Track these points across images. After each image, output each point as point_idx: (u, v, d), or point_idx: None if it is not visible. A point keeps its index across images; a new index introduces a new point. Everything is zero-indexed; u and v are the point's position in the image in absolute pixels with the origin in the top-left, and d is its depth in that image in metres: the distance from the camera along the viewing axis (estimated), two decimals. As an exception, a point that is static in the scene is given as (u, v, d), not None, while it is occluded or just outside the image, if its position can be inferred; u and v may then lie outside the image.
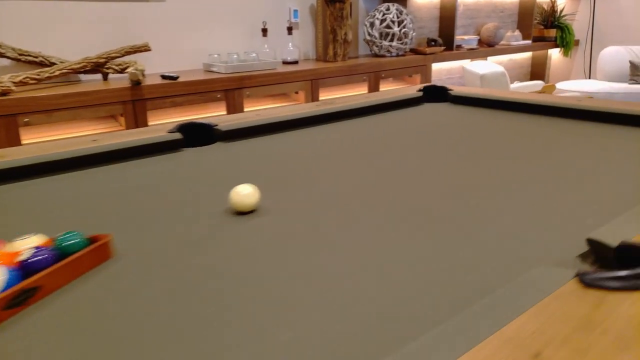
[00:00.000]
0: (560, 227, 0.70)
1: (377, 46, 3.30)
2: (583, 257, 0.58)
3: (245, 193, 0.73)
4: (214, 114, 2.53)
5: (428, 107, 1.65)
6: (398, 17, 3.25)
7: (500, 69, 2.58)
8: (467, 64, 2.95)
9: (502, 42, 4.27)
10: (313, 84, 2.80)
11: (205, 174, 0.98)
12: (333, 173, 0.97)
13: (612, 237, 0.56)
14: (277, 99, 2.87)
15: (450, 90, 1.73)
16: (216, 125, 1.24)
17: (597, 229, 0.58)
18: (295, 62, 3.03)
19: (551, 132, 1.25)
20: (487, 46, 4.06)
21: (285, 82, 2.68)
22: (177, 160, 1.08)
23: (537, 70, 4.73)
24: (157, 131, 1.20)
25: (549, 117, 1.41)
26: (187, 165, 1.04)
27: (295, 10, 3.15)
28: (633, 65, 3.91)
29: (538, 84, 3.11)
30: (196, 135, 1.21)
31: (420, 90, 1.74)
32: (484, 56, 3.85)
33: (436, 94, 1.75)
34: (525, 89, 3.12)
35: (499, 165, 0.99)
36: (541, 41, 4.56)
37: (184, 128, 1.20)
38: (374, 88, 3.11)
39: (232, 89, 2.48)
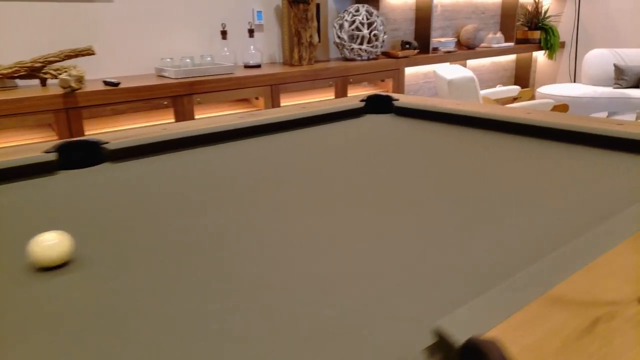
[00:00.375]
0: (435, 291, 0.54)
1: (346, 49, 3.15)
2: (431, 352, 0.43)
3: (48, 244, 0.58)
4: (160, 122, 2.38)
5: (369, 120, 1.50)
6: (368, 19, 3.10)
7: (469, 74, 2.43)
8: (438, 68, 2.80)
9: (482, 45, 4.12)
10: (273, 89, 2.65)
11: (52, 206, 0.83)
12: (221, 206, 0.82)
13: (463, 327, 0.40)
14: (237, 105, 2.72)
15: (396, 100, 1.58)
16: (105, 143, 1.09)
17: (454, 312, 0.43)
18: (258, 66, 2.88)
19: (490, 149, 1.09)
20: (467, 49, 3.91)
21: (243, 88, 2.53)
22: (35, 188, 0.93)
23: (522, 74, 4.58)
24: (33, 150, 1.05)
25: (494, 133, 1.26)
26: (37, 196, 0.89)
27: (259, 12, 3.01)
28: (618, 68, 3.76)
29: (514, 89, 2.96)
30: (81, 154, 1.06)
31: (363, 101, 1.59)
32: (462, 59, 3.71)
33: (380, 104, 1.60)
34: (499, 95, 2.97)
35: (418, 188, 0.84)
36: (525, 43, 4.41)
37: (64, 147, 1.05)
38: (341, 93, 2.96)
39: (181, 95, 2.33)
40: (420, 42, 3.63)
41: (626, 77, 3.72)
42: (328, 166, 1.03)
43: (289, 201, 0.83)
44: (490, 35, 4.05)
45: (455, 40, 3.78)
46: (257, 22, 3.01)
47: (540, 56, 4.75)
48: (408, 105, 1.50)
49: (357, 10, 3.12)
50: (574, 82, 4.45)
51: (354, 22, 3.10)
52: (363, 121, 1.48)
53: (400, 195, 0.84)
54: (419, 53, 3.57)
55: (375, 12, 3.13)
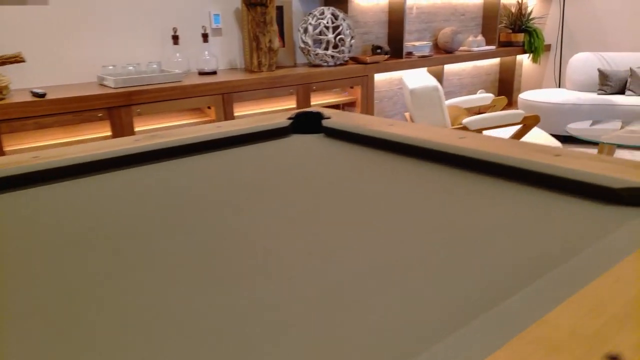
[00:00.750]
0: None
1: (312, 54, 2.97)
2: None
3: None
4: (95, 135, 2.19)
5: (294, 141, 1.32)
6: (333, 22, 2.92)
7: (432, 83, 2.25)
8: (405, 74, 2.62)
9: (462, 48, 3.94)
10: (226, 98, 2.47)
11: None
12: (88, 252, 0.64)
13: None
14: (186, 116, 2.53)
15: (327, 118, 1.40)
16: (-57, 180, 0.91)
17: None
18: (213, 73, 2.70)
19: (412, 183, 0.91)
20: (445, 53, 3.73)
21: (190, 97, 2.35)
22: None
23: (506, 77, 4.40)
24: None
25: (423, 162, 1.08)
26: None
27: (217, 15, 2.82)
28: (602, 73, 3.58)
29: (487, 97, 2.78)
30: None
31: (290, 118, 1.41)
32: (439, 64, 3.52)
33: (309, 122, 1.42)
34: (470, 103, 2.79)
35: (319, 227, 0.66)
36: (508, 46, 4.23)
37: None
38: (303, 102, 2.78)
39: (118, 106, 2.15)
40: (393, 47, 3.45)
41: (611, 83, 3.53)
42: (225, 206, 0.84)
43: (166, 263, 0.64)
44: (470, 39, 3.87)
45: (431, 44, 3.60)
46: (214, 25, 2.83)
47: (525, 60, 4.57)
48: (337, 125, 1.32)
49: (322, 14, 2.93)
50: (559, 87, 4.27)
51: (318, 25, 2.92)
52: (287, 143, 1.30)
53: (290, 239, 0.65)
54: (391, 58, 3.39)
55: (341, 15, 2.95)
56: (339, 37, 2.92)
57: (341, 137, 1.32)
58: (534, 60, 4.21)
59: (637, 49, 3.85)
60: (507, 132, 2.62)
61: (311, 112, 1.43)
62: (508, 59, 4.33)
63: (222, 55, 2.92)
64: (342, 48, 2.96)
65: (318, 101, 2.94)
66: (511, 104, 4.34)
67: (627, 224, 0.66)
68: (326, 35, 2.91)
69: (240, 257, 0.66)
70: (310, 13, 2.97)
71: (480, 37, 3.93)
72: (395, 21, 3.37)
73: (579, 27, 4.20)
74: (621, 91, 3.54)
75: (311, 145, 1.27)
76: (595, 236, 0.67)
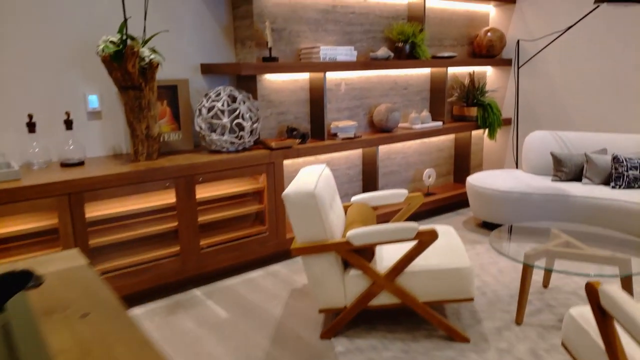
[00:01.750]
0: None
1: (207, 140, 2.60)
2: None
3: None
4: None
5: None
6: (229, 105, 2.56)
7: (309, 188, 1.84)
8: (302, 170, 2.22)
9: (403, 125, 3.56)
10: (73, 199, 2.08)
11: None
12: None
13: None
14: (27, 220, 2.13)
15: (37, 284, 0.98)
16: None
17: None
18: (79, 164, 2.33)
19: None
20: (380, 132, 3.35)
21: (22, 201, 1.96)
22: None
23: (462, 154, 3.99)
24: None
25: None
26: None
27: (93, 96, 2.49)
28: (555, 158, 3.15)
29: (399, 194, 2.35)
30: None
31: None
32: (369, 145, 3.13)
33: (19, 282, 0.99)
34: (380, 201, 2.36)
35: None
36: (462, 121, 3.85)
37: None
38: (185, 197, 2.37)
39: None
40: (315, 127, 3.08)
41: (565, 169, 3.10)
42: None
43: None
44: (412, 115, 3.50)
45: (365, 122, 3.22)
46: (89, 108, 2.48)
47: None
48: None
49: (218, 95, 2.59)
50: (517, 167, 3.84)
51: (212, 108, 2.57)
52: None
53: None
54: (315, 139, 3.01)
55: (241, 96, 2.59)
56: (236, 121, 2.55)
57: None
58: (490, 136, 3.82)
59: (599, 128, 3.45)
60: (403, 248, 2.16)
61: (18, 273, 1.01)
62: (464, 134, 3.94)
63: (104, 140, 2.56)
64: (241, 133, 2.59)
65: (211, 194, 2.54)
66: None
67: None
68: (220, 120, 2.55)
69: None
70: (206, 94, 2.63)
71: (425, 113, 3.56)
72: (317, 98, 3.02)
73: (537, 101, 3.82)
74: (578, 177, 3.10)
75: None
76: None
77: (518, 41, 3.50)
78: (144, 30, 2.36)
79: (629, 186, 2.86)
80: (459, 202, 3.89)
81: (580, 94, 3.56)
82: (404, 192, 2.38)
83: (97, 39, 2.45)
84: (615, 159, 2.88)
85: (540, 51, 3.60)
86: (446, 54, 3.56)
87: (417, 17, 3.44)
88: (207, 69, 2.75)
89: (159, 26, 2.61)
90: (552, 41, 3.32)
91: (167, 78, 2.68)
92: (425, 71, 3.72)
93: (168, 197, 2.40)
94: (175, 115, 2.68)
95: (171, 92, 2.66)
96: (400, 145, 3.64)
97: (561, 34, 3.26)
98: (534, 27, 3.77)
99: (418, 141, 3.74)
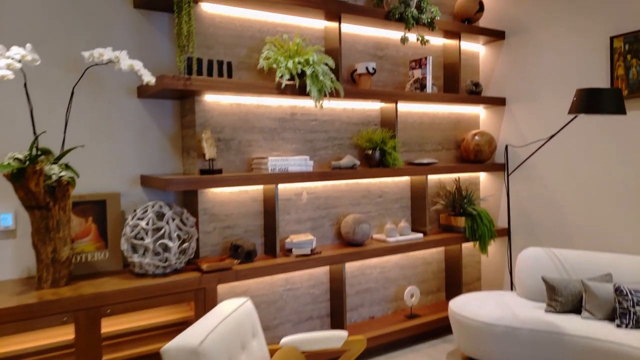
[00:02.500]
0: None
1: (129, 262, 2.31)
2: None
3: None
4: None
5: None
6: (154, 224, 2.29)
7: (192, 343, 1.47)
8: (222, 303, 1.87)
9: (377, 236, 3.19)
10: (-62, 341, 1.77)
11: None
12: None
13: None
14: None
15: None
16: None
17: None
18: (-28, 292, 2.06)
19: None
20: (348, 246, 2.99)
21: None
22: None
23: (453, 267, 3.54)
24: None
25: None
26: None
27: (7, 215, 2.28)
28: (548, 285, 2.67)
29: (338, 337, 1.93)
30: None
31: None
32: (333, 263, 2.76)
33: None
34: (310, 344, 1.94)
35: None
36: (450, 232, 3.45)
37: None
38: (86, 333, 2.03)
39: None
40: (268, 242, 2.76)
41: (560, 298, 2.60)
42: None
43: None
44: (388, 226, 3.14)
45: (312, 240, 2.89)
46: (2, 227, 2.27)
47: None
48: None
49: (145, 212, 2.34)
50: (512, 288, 3.33)
51: (136, 227, 2.30)
52: None
53: None
54: (269, 256, 2.67)
55: (170, 213, 2.33)
56: (160, 242, 2.27)
57: None
58: (482, 250, 3.37)
59: (603, 245, 2.96)
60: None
61: None
62: (454, 247, 3.51)
63: (18, 261, 2.31)
64: (166, 255, 2.29)
65: (123, 327, 2.19)
66: (457, 303, 3.40)
67: None
68: (143, 240, 2.27)
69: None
70: (134, 210, 2.38)
71: (403, 224, 3.19)
72: (271, 211, 2.73)
73: (533, 211, 3.40)
74: (577, 308, 2.58)
75: None
76: None
77: (506, 146, 3.19)
78: (63, 143, 2.19)
79: (637, 326, 2.32)
80: (447, 326, 3.37)
81: (578, 204, 3.13)
82: (342, 334, 1.96)
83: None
84: (618, 290, 2.38)
85: (529, 157, 3.26)
86: (425, 161, 3.26)
87: (390, 122, 3.21)
88: (145, 182, 2.54)
89: (93, 137, 2.45)
90: (539, 148, 2.98)
91: (96, 192, 2.47)
92: (404, 178, 3.41)
93: (65, 336, 2.07)
94: (102, 232, 2.43)
95: (99, 208, 2.43)
96: (377, 258, 3.24)
97: (546, 142, 2.92)
98: (526, 130, 3.46)
99: (398, 255, 3.33)
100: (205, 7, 2.59)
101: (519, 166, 3.36)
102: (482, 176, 3.82)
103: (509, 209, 3.22)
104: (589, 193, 3.08)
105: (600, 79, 3.00)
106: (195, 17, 2.55)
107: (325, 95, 2.64)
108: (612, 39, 2.89)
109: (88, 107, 2.43)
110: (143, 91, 2.46)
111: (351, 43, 3.15)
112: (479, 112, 3.83)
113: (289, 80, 2.61)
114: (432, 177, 3.53)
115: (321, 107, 2.72)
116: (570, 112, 2.44)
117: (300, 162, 2.69)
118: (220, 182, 2.41)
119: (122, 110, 2.53)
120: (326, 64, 2.66)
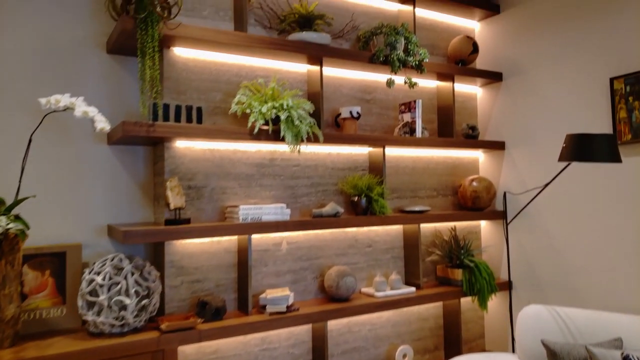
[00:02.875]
0: None
1: (84, 320, 2.15)
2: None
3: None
4: None
5: None
6: (110, 279, 2.13)
7: None
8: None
9: (367, 290, 2.96)
10: None
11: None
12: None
13: None
14: None
15: None
16: None
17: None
18: None
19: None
20: (332, 301, 2.77)
21: None
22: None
23: (452, 323, 3.25)
24: None
25: None
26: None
27: (-41, 267, 2.15)
28: (549, 350, 2.38)
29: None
30: None
31: None
32: (312, 321, 2.54)
33: None
34: None
35: None
36: (446, 285, 3.20)
37: None
38: (22, 403, 1.85)
39: None
40: (241, 298, 2.57)
41: (563, 366, 2.31)
42: None
43: None
44: (377, 278, 2.92)
45: (289, 295, 2.68)
46: (-48, 281, 2.14)
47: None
48: None
49: (104, 265, 2.19)
50: (513, 350, 3.03)
51: (92, 282, 2.15)
52: None
53: None
54: (241, 314, 2.47)
55: (129, 267, 2.17)
56: (115, 298, 2.10)
57: None
58: (481, 306, 3.10)
59: (611, 303, 2.67)
60: None
61: None
62: (452, 301, 3.24)
63: (-32, 317, 2.17)
64: (122, 313, 2.11)
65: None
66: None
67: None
68: (97, 297, 2.11)
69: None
70: (94, 263, 2.24)
71: (394, 276, 2.97)
72: (242, 262, 2.55)
73: (536, 263, 3.13)
74: (585, 379, 2.28)
75: None
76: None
77: (505, 193, 2.98)
78: (17, 193, 2.08)
79: (652, 403, 2.02)
80: (445, 391, 3.06)
81: (585, 257, 2.86)
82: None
83: (-24, 202, 2.19)
84: (627, 359, 2.10)
85: (526, 205, 3.04)
86: (416, 208, 3.06)
87: (378, 167, 3.04)
88: (111, 232, 2.40)
89: (57, 185, 2.34)
90: (535, 197, 2.76)
91: (56, 243, 2.34)
92: (396, 226, 3.20)
93: (2, 402, 1.89)
94: (60, 287, 2.28)
95: (58, 260, 2.29)
96: (365, 317, 3.00)
97: (541, 190, 2.71)
98: (526, 176, 3.25)
99: (391, 311, 3.08)
100: (179, 52, 2.52)
101: (517, 215, 3.13)
102: (483, 224, 3.58)
103: (509, 261, 2.96)
104: (597, 244, 2.82)
105: (601, 123, 2.80)
106: (167, 61, 2.48)
107: (302, 141, 2.50)
108: (612, 80, 2.71)
109: (54, 155, 2.34)
110: (112, 137, 2.36)
111: (336, 87, 3.04)
112: (478, 156, 3.64)
113: (264, 125, 2.49)
114: (429, 226, 3.32)
115: (298, 152, 2.58)
116: (560, 159, 2.24)
117: (275, 211, 2.53)
118: (184, 234, 2.25)
119: (91, 157, 2.43)
120: (304, 109, 2.54)
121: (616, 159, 2.14)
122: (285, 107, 2.41)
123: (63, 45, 2.37)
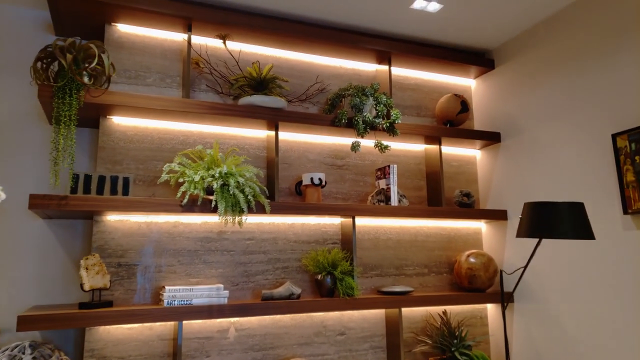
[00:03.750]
0: None
1: (-26, 418, 1.89)
2: None
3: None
4: None
5: None
6: (2, 371, 1.88)
7: None
8: None
9: (329, 391, 2.50)
10: None
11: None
12: None
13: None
14: None
15: None
16: None
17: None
18: None
19: None
20: (283, 401, 2.34)
21: None
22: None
23: None
24: None
25: None
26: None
27: None
28: None
29: None
30: None
31: None
32: None
33: None
34: None
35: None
36: (439, 382, 2.66)
37: None
38: None
39: None
40: (171, 395, 2.21)
41: None
42: None
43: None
44: (346, 374, 2.46)
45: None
46: None
47: (489, 399, 2.85)
48: None
49: (3, 352, 1.95)
50: None
51: (-16, 374, 1.91)
52: None
53: None
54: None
55: (28, 357, 1.92)
56: (3, 396, 1.84)
57: None
58: (479, 410, 2.52)
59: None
60: None
61: None
62: (447, 400, 2.68)
63: None
64: (10, 414, 1.84)
65: None
66: None
67: None
68: (-15, 393, 1.85)
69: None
70: (7, 349, 2.01)
71: (368, 371, 2.50)
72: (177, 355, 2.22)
73: (543, 355, 2.54)
74: None
75: None
76: None
77: (501, 272, 2.49)
78: None
79: None
80: None
81: (598, 348, 2.27)
82: None
83: None
84: None
85: (516, 287, 2.52)
86: (397, 289, 2.64)
87: (348, 241, 2.68)
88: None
89: (-22, 263, 2.20)
90: (520, 277, 2.28)
91: (-30, 326, 2.15)
92: (376, 310, 2.76)
93: None
94: (-35, 376, 2.06)
95: (-34, 346, 2.09)
96: (333, 419, 2.52)
97: (524, 269, 2.22)
98: (530, 250, 2.75)
99: (366, 412, 2.58)
100: (117, 120, 2.40)
101: (510, 296, 2.61)
102: (489, 307, 3.05)
103: (508, 352, 2.41)
104: (610, 332, 2.24)
105: (608, 188, 2.32)
106: (102, 130, 2.36)
107: (242, 211, 2.23)
108: (614, 137, 2.26)
109: (-23, 229, 2.22)
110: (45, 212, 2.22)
111: (301, 152, 2.79)
112: (480, 227, 3.17)
113: (197, 195, 2.25)
114: (419, 309, 2.85)
115: (239, 224, 2.30)
116: (517, 235, 1.79)
117: (209, 293, 2.22)
118: (95, 319, 1.99)
119: (24, 232, 2.29)
120: (246, 177, 2.29)
121: (586, 234, 1.68)
122: (218, 175, 2.18)
123: (5, 117, 2.34)
